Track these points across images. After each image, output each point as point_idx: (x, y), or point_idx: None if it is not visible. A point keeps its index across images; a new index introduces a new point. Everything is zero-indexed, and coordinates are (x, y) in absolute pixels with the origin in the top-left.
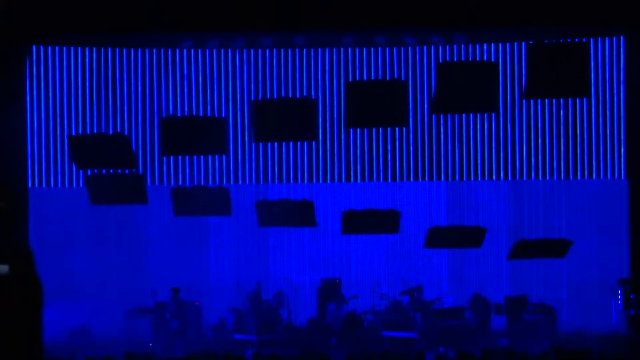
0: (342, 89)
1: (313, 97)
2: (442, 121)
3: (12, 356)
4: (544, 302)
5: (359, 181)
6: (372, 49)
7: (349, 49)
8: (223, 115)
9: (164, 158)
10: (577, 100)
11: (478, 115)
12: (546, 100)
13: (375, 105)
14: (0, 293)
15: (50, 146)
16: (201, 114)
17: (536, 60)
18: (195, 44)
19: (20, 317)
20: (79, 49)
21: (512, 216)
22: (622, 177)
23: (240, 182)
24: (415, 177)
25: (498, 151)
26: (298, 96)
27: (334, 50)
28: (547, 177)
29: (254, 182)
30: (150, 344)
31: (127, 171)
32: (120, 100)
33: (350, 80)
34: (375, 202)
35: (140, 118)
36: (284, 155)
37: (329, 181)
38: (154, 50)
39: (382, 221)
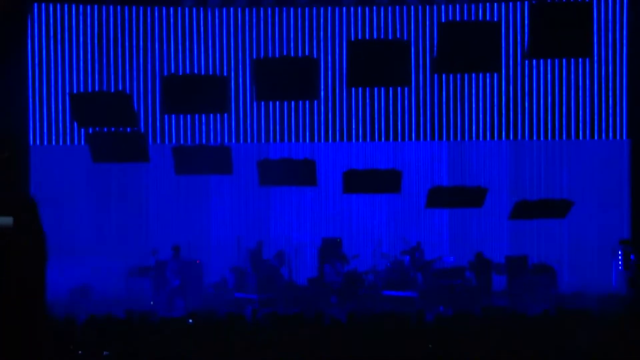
0: (344, 48)
1: (315, 56)
2: (444, 81)
3: (17, 307)
4: (545, 262)
5: (360, 141)
6: (374, 7)
7: (351, 8)
8: (225, 74)
9: (166, 116)
10: (580, 60)
11: (480, 75)
12: (548, 61)
13: (377, 64)
14: (5, 244)
15: (52, 104)
16: (203, 73)
17: (539, 19)
18: (197, 2)
19: (25, 268)
20: (81, 6)
21: (513, 176)
22: (624, 138)
23: (241, 141)
24: (417, 137)
25: (500, 111)
26: (300, 55)
27: (336, 9)
28: (549, 138)
29: (255, 141)
30: (152, 303)
31: (128, 129)
32: (122, 58)
33: (353, 39)
34: (377, 162)
35: (142, 76)
36: (285, 115)
37: (330, 140)
38: (156, 8)
39: (384, 181)
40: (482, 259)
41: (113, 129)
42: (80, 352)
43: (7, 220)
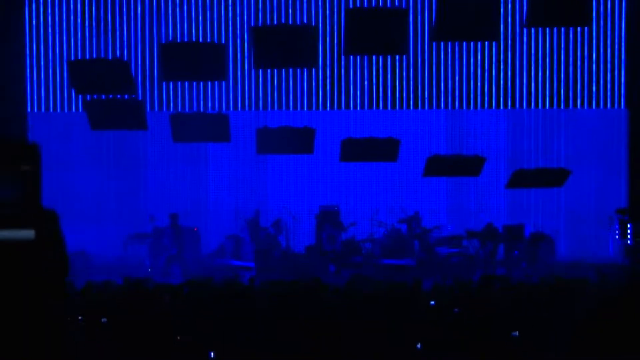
0: (342, 16)
1: (313, 23)
2: (442, 49)
3: (36, 320)
4: (542, 231)
5: (358, 109)
6: None
7: None
8: (223, 41)
9: (164, 84)
10: (578, 29)
11: (479, 43)
12: (547, 29)
13: (376, 32)
14: (26, 259)
15: (50, 71)
16: (201, 40)
17: None
18: None
19: (46, 282)
20: None
21: (511, 145)
22: (622, 107)
23: (239, 109)
24: (415, 105)
25: (498, 79)
26: (298, 23)
27: None
28: (547, 106)
29: (253, 108)
30: (149, 270)
31: (126, 97)
32: (120, 25)
33: (351, 7)
34: (375, 130)
35: (140, 43)
36: (283, 82)
37: (328, 108)
38: None
39: (381, 149)
40: (492, 228)
41: (111, 96)
42: (80, 318)
43: (29, 234)
